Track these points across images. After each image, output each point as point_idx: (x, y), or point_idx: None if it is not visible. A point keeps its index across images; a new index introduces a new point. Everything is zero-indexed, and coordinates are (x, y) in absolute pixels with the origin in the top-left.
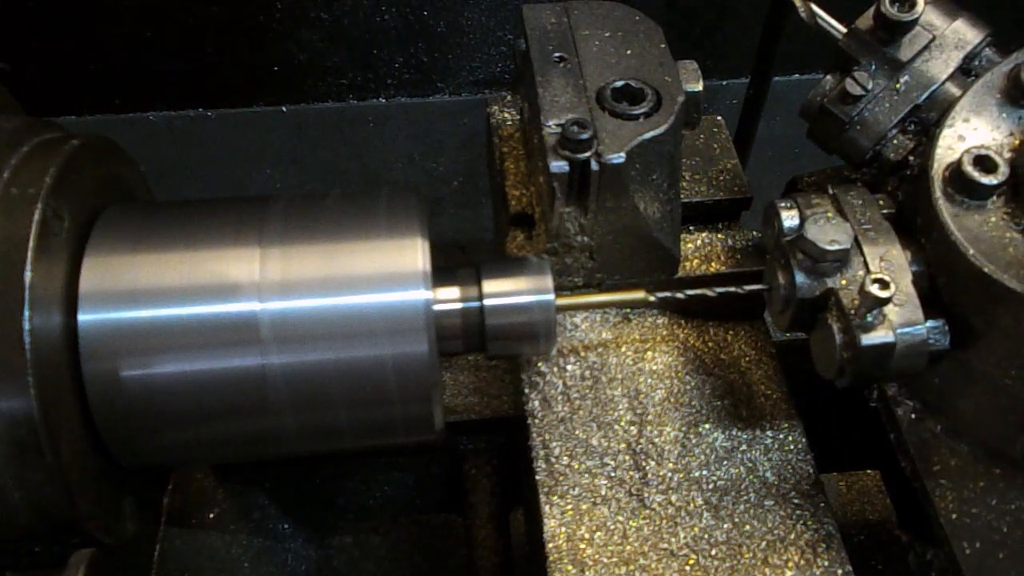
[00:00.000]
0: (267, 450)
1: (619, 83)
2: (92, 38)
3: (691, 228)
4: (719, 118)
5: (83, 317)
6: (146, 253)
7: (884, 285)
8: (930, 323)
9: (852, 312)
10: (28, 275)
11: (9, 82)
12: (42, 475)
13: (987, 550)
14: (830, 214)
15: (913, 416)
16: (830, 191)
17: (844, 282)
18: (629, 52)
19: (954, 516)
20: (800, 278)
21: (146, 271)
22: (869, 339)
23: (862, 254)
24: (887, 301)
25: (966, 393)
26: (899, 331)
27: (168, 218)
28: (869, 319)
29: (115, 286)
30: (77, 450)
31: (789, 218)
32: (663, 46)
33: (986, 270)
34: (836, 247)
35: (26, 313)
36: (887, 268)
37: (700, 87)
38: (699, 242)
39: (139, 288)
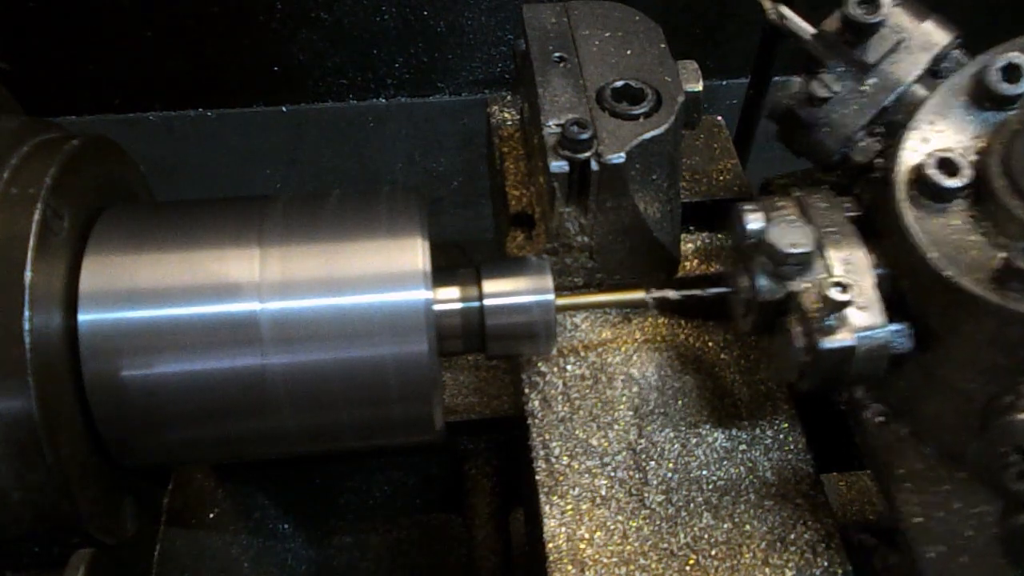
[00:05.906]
0: (267, 450)
1: (619, 83)
2: (92, 38)
3: (691, 228)
4: (719, 118)
5: (83, 317)
6: (146, 253)
7: (843, 288)
8: (892, 326)
9: (813, 316)
10: (28, 275)
11: (9, 82)
12: (42, 475)
13: (950, 555)
14: (792, 217)
15: (880, 419)
16: (795, 194)
17: (806, 285)
18: (629, 52)
19: (918, 520)
20: (761, 281)
21: (146, 271)
22: (829, 343)
23: (825, 257)
24: (846, 304)
25: (929, 397)
26: (860, 335)
27: (168, 218)
28: (829, 323)
29: (115, 286)
30: (77, 450)
31: (753, 221)
32: (663, 46)
33: (946, 274)
34: (797, 250)
35: (26, 313)
36: (850, 271)
37: (700, 87)
38: (699, 242)
39: (139, 288)
